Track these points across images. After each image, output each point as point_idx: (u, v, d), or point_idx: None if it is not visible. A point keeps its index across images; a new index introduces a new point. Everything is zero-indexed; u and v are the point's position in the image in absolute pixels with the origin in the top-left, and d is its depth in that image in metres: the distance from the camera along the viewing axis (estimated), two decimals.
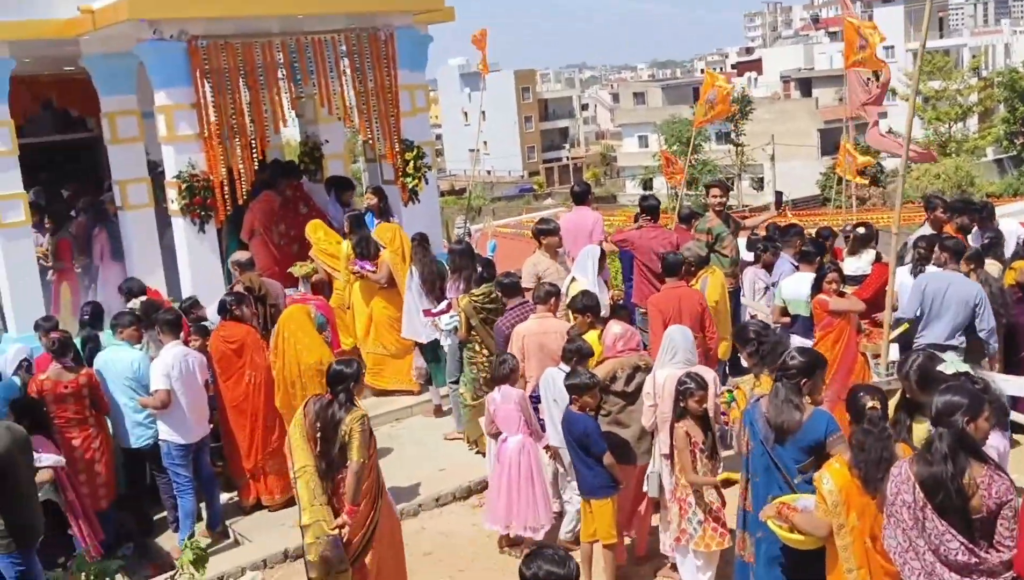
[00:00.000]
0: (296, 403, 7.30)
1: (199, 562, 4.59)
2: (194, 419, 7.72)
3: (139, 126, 11.30)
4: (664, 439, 6.38)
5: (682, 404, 5.98)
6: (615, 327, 7.00)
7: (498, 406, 7.07)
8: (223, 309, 8.14)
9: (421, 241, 9.86)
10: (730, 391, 6.60)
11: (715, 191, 10.27)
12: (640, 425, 6.61)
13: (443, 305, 9.29)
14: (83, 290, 12.14)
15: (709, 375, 6.31)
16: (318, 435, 5.76)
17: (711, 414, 6.13)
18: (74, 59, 11.27)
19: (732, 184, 48.90)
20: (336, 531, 5.54)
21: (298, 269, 10.44)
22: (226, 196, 10.16)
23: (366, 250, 10.00)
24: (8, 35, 10.13)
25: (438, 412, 9.91)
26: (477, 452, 8.73)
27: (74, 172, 14.01)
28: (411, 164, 11.46)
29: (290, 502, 7.60)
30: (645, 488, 6.68)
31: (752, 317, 9.28)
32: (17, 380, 7.78)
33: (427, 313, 9.43)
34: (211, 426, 8.07)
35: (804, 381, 5.11)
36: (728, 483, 6.01)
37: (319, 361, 7.52)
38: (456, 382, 9.08)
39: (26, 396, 7.48)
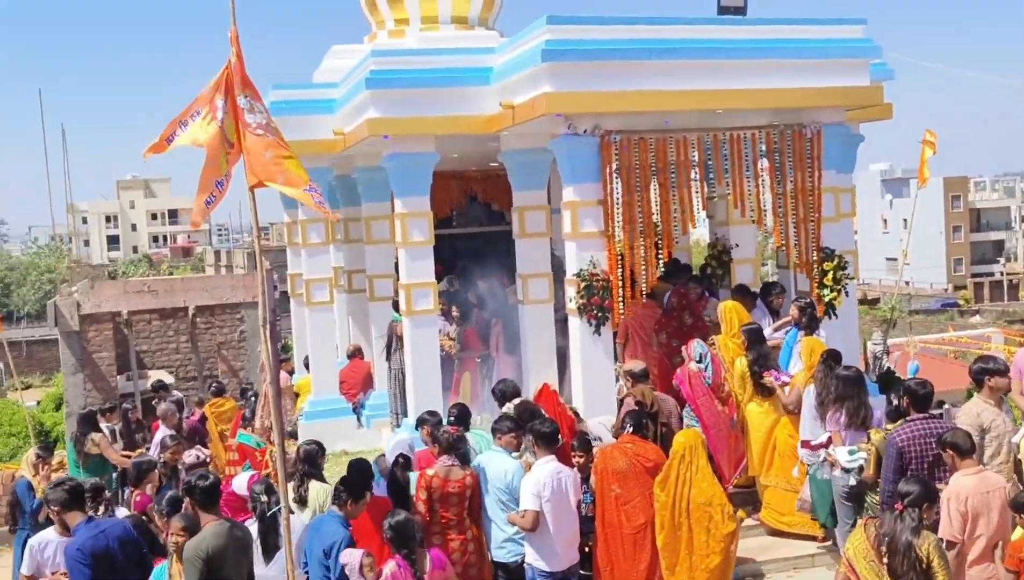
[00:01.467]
0: (680, 547, 6.37)
1: None
2: (563, 544, 7.02)
3: (547, 221, 11.21)
4: None
5: None
6: None
7: None
8: (638, 425, 7.43)
9: (829, 359, 8.56)
10: None
11: None
12: None
13: (823, 437, 8.02)
14: (482, 379, 12.21)
15: None
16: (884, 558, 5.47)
17: None
18: (495, 154, 11.49)
19: None
20: None
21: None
22: (622, 298, 9.60)
23: (764, 367, 8.92)
24: (434, 130, 10.50)
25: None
26: None
27: (489, 263, 14.41)
28: (830, 275, 10.21)
29: None
30: None
31: None
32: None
33: (805, 444, 8.14)
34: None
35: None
36: None
37: (708, 502, 6.49)
38: (850, 529, 7.61)
39: None
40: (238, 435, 10.67)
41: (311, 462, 7.84)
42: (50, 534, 6.99)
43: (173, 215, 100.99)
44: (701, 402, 8.74)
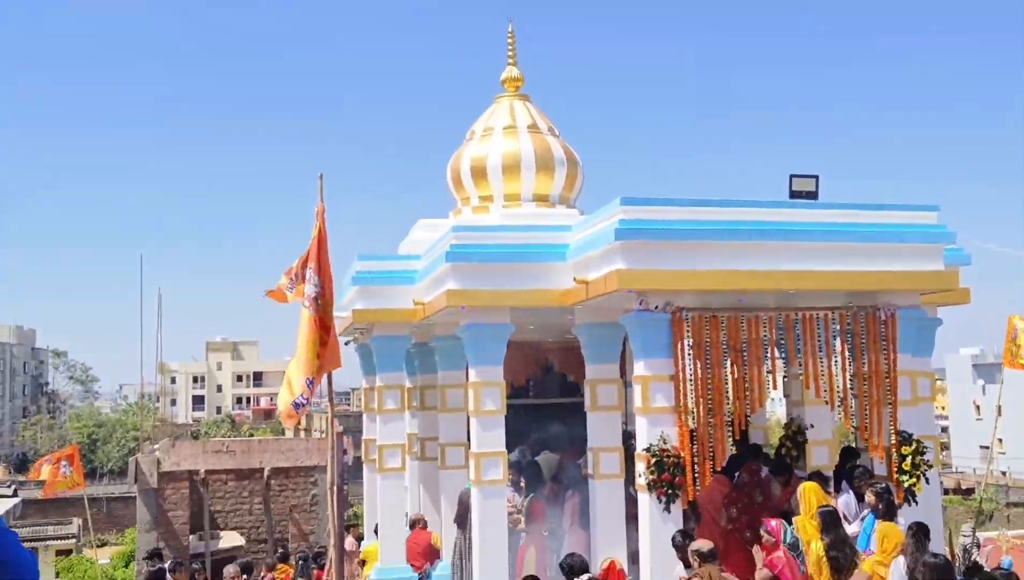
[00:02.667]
0: None
1: None
2: None
3: (619, 395, 11.25)
4: None
5: None
6: None
7: None
8: None
9: (918, 532, 8.31)
10: None
11: None
12: None
13: None
14: (550, 554, 11.99)
15: None
16: None
17: None
18: (571, 327, 11.68)
19: None
20: None
21: None
22: (696, 475, 9.49)
23: (841, 554, 8.64)
24: (509, 302, 10.78)
25: None
26: None
27: (563, 435, 14.38)
28: (908, 460, 9.96)
29: None
30: None
31: None
32: None
33: None
34: None
35: None
36: None
37: None
38: None
39: None
40: None
41: None
42: None
43: (258, 377, 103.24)
44: None
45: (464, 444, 12.74)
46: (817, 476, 10.48)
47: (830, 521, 9.08)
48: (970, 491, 59.12)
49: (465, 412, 12.14)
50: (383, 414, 13.54)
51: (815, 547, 9.01)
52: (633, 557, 10.58)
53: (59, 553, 26.31)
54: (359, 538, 15.81)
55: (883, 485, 9.50)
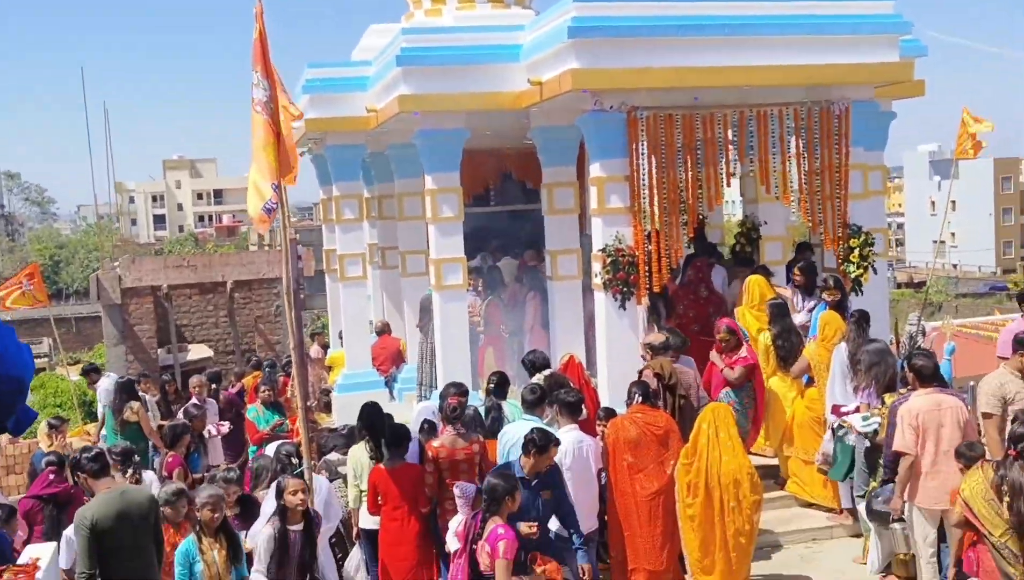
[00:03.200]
0: (714, 515, 6.48)
1: None
2: (583, 512, 7.15)
3: (575, 198, 11.30)
4: None
5: None
6: None
7: None
8: (646, 394, 7.56)
9: (860, 319, 8.73)
10: None
11: None
12: None
13: (852, 404, 8.31)
14: (511, 356, 12.34)
15: None
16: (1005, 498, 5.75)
17: None
18: (527, 132, 11.57)
19: None
20: None
21: None
22: (647, 273, 9.68)
23: (788, 343, 9.02)
24: (463, 106, 10.62)
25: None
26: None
27: (523, 241, 14.52)
28: (856, 251, 10.20)
29: None
30: None
31: None
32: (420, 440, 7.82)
33: (835, 409, 8.26)
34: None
35: None
36: None
37: (738, 473, 6.57)
38: (863, 496, 7.98)
39: None
40: (248, 409, 11.02)
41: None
42: None
43: (218, 195, 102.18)
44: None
45: (424, 252, 12.84)
46: (762, 269, 10.76)
47: (777, 312, 9.40)
48: (922, 284, 60.92)
49: (424, 220, 12.18)
50: (341, 224, 13.54)
51: (763, 337, 9.34)
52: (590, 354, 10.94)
53: None
54: (325, 346, 16.15)
55: (837, 278, 9.78)
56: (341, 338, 14.64)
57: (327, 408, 13.17)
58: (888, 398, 7.76)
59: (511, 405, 8.60)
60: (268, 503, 6.74)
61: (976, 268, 74.92)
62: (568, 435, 7.17)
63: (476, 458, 7.45)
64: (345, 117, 12.65)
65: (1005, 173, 78.33)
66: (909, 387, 7.46)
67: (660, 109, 9.69)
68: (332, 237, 14.64)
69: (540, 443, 6.49)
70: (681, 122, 9.73)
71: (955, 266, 71.46)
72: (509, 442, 7.51)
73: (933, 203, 77.98)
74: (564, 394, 7.53)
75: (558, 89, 9.61)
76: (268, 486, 7.05)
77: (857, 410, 8.28)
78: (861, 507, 8.03)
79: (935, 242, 35.41)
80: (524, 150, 13.99)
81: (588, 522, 7.23)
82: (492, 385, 8.56)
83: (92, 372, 14.25)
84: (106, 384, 13.20)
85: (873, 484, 7.93)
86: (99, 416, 13.24)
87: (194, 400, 11.24)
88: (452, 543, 6.56)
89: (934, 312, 38.40)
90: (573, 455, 7.09)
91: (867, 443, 7.97)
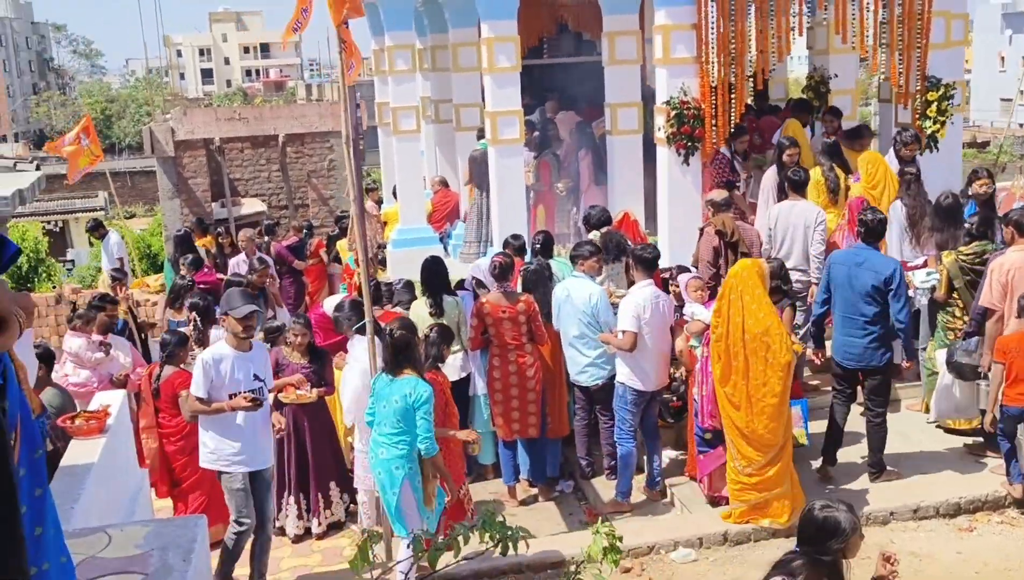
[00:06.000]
0: (737, 377, 6.34)
1: (611, 553, 3.84)
2: (658, 366, 7.13)
3: (638, 48, 10.87)
4: None
5: None
6: None
7: None
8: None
9: (916, 178, 8.60)
10: None
11: None
12: None
13: (920, 260, 8.25)
14: (564, 213, 12.14)
15: None
16: None
17: None
18: None
19: None
20: None
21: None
22: (715, 127, 9.33)
23: (834, 175, 8.98)
24: None
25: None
26: (938, 426, 7.71)
27: (581, 95, 14.12)
28: (933, 105, 9.73)
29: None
30: None
31: None
32: (471, 300, 7.78)
33: (904, 265, 8.07)
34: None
35: None
36: None
37: (765, 331, 6.37)
38: (924, 349, 7.98)
39: None
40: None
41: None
42: (223, 348, 6.26)
43: (265, 49, 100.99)
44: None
45: (479, 105, 12.52)
46: (800, 108, 10.76)
47: (832, 150, 9.23)
48: (985, 144, 58.89)
49: (479, 71, 11.81)
50: (394, 76, 13.19)
51: (815, 172, 9.16)
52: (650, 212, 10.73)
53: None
54: (379, 201, 16.03)
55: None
56: (395, 193, 14.51)
57: (382, 263, 13.17)
58: (947, 256, 7.69)
59: (559, 263, 8.50)
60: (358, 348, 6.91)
61: None
62: (645, 290, 7.07)
63: (521, 317, 7.39)
64: None
65: None
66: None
67: None
68: (385, 89, 14.32)
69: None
70: None
71: (1021, 126, 68.94)
72: (559, 300, 7.44)
73: (1002, 59, 74.69)
74: (640, 250, 7.39)
75: None
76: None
77: (925, 264, 8.21)
78: (922, 356, 7.92)
79: (1003, 100, 34.03)
80: (581, 0, 13.44)
81: (662, 376, 7.22)
82: (538, 245, 8.44)
83: (98, 227, 14.34)
84: (115, 238, 13.32)
85: (931, 342, 7.84)
86: (103, 270, 13.40)
87: (242, 255, 11.30)
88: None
89: (1000, 173, 37.26)
90: (651, 310, 7.00)
91: (923, 297, 7.87)
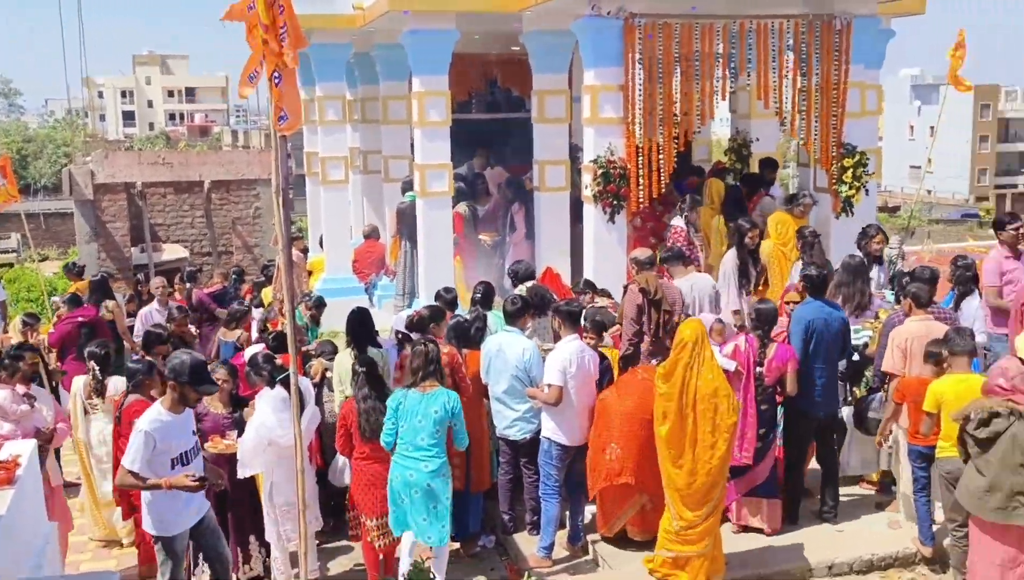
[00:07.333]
0: (685, 436, 6.39)
1: None
2: (582, 422, 7.15)
3: (566, 107, 11.06)
4: None
5: None
6: (1006, 361, 6.04)
7: None
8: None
9: (810, 239, 9.30)
10: None
11: None
12: (992, 477, 5.74)
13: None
14: (485, 267, 12.12)
15: None
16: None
17: None
18: (517, 37, 11.25)
19: None
20: None
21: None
22: (641, 187, 9.53)
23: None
24: (456, 7, 10.28)
25: None
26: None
27: (510, 151, 14.28)
28: (849, 172, 10.09)
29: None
30: None
31: None
32: (395, 353, 7.74)
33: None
34: None
35: None
36: None
37: (714, 392, 6.43)
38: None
39: None
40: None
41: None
42: (162, 414, 5.88)
43: (191, 93, 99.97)
44: None
45: (408, 157, 12.60)
46: (720, 173, 11.09)
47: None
48: (896, 209, 61.20)
49: (408, 124, 11.90)
50: (324, 125, 13.22)
51: (716, 221, 9.77)
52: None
53: (0, 267, 26.31)
54: (304, 250, 15.89)
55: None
56: (321, 243, 14.43)
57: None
58: (883, 313, 8.07)
59: (496, 316, 8.50)
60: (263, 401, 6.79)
61: (950, 195, 75.21)
62: (571, 344, 7.09)
63: (446, 370, 7.28)
64: (331, 15, 12.24)
65: (984, 101, 78.09)
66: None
67: (658, 17, 9.44)
68: (314, 139, 14.31)
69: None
70: (679, 31, 9.49)
71: (929, 192, 71.71)
72: (490, 353, 7.45)
73: (912, 128, 77.77)
74: (566, 305, 7.44)
75: None
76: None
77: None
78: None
79: (912, 167, 35.39)
80: (510, 57, 13.67)
81: (586, 431, 7.21)
82: (478, 295, 8.42)
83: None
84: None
85: (857, 392, 8.07)
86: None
87: (155, 303, 11.09)
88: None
89: (909, 237, 38.56)
90: (577, 364, 7.03)
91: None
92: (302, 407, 6.24)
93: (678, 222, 9.95)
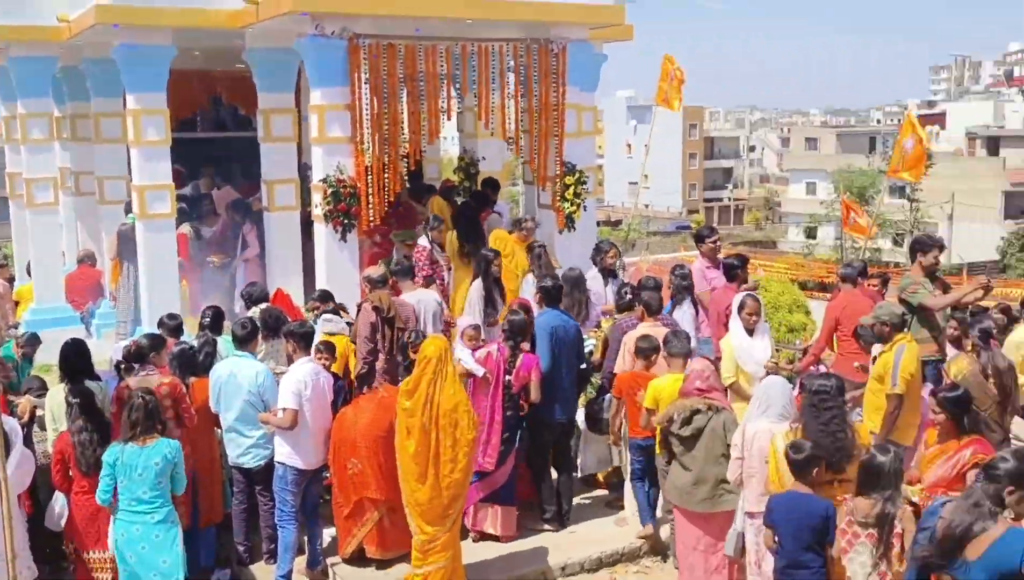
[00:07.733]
0: (429, 452, 6.45)
1: None
2: (319, 443, 7.06)
3: (293, 126, 10.90)
4: (749, 496, 5.99)
5: None
6: (697, 363, 6.65)
7: None
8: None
9: (539, 253, 9.79)
10: None
11: (935, 251, 8.90)
12: (698, 471, 6.36)
13: None
14: (224, 289, 11.75)
15: None
16: None
17: None
18: (240, 54, 10.95)
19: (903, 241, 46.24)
20: None
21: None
22: (371, 206, 9.56)
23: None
24: (171, 22, 9.86)
25: None
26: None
27: (238, 170, 13.87)
28: (571, 189, 10.62)
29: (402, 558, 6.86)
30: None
31: None
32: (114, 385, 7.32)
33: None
34: None
35: (1011, 490, 4.41)
36: None
37: (455, 407, 6.53)
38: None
39: None
40: None
41: None
42: None
43: None
44: None
45: (125, 177, 11.91)
46: (448, 191, 11.53)
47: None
48: (618, 222, 64.93)
49: (124, 143, 11.26)
50: (28, 145, 12.24)
51: (449, 236, 10.15)
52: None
53: None
54: (10, 279, 14.64)
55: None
56: (29, 270, 13.35)
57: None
58: (605, 322, 8.81)
59: (225, 341, 8.22)
60: None
61: (665, 208, 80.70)
62: (305, 366, 7.01)
63: (166, 401, 6.84)
64: (33, 26, 11.35)
65: (692, 121, 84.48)
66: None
67: (382, 38, 9.54)
68: (17, 159, 13.22)
69: None
70: (403, 52, 9.64)
71: (647, 206, 76.59)
72: (220, 380, 7.19)
73: (629, 146, 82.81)
74: (297, 327, 7.34)
75: (276, 10, 9.17)
76: None
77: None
78: None
79: (631, 184, 37.71)
80: (235, 74, 13.29)
81: (321, 453, 7.12)
82: (207, 319, 8.11)
83: None
84: None
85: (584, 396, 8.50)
86: None
87: None
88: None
89: (629, 249, 41.01)
90: (312, 386, 6.93)
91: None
92: (8, 449, 5.76)
93: (423, 242, 10.05)
